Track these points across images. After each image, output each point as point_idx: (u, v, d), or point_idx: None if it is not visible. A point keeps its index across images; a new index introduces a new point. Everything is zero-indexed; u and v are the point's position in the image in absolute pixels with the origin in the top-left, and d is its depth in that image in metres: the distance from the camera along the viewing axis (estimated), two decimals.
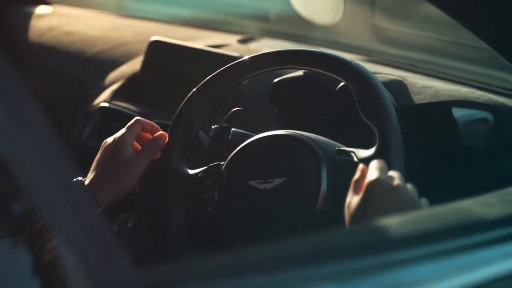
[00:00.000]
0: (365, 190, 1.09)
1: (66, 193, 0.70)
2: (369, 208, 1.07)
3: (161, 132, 1.34)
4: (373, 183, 1.08)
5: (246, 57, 1.34)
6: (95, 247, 0.67)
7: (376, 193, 1.07)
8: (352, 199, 1.11)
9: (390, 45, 2.01)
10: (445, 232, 0.86)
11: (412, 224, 0.87)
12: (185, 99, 1.38)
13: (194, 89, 1.38)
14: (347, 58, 1.27)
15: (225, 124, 1.41)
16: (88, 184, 1.25)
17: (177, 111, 1.38)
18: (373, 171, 1.10)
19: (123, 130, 1.31)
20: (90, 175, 1.28)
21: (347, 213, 1.09)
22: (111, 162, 1.28)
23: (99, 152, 1.30)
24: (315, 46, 2.10)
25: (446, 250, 0.84)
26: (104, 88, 1.94)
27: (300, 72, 1.56)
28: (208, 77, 1.36)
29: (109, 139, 1.31)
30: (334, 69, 1.27)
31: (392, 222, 0.88)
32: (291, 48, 1.34)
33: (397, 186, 1.06)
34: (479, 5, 1.12)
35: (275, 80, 1.57)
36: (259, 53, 1.33)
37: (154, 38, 1.89)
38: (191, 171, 1.36)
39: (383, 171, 1.10)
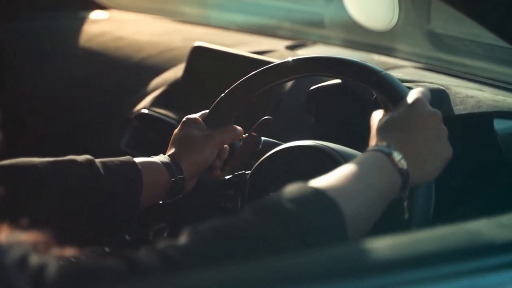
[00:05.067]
0: (403, 103, 1.04)
1: None
2: (401, 119, 1.04)
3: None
4: (416, 100, 1.04)
5: (270, 64, 1.30)
6: None
7: (415, 109, 1.05)
8: (380, 115, 1.08)
9: (446, 51, 1.94)
10: (451, 254, 0.79)
11: (416, 244, 0.80)
12: (212, 105, 1.35)
13: (223, 94, 1.35)
14: (377, 67, 1.21)
15: (253, 133, 1.36)
16: (169, 156, 1.29)
17: (205, 117, 1.35)
18: (416, 91, 1.06)
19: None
20: (170, 150, 1.31)
21: (374, 126, 1.05)
22: (187, 138, 1.30)
23: (177, 129, 1.34)
24: (370, 53, 2.04)
25: (451, 273, 0.77)
26: (146, 94, 1.92)
27: (337, 80, 1.50)
28: (234, 84, 1.33)
29: (187, 116, 1.36)
30: (363, 78, 1.21)
31: (395, 241, 0.82)
32: (320, 55, 1.28)
33: (435, 113, 1.04)
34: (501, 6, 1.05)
35: (310, 88, 1.51)
36: (284, 60, 1.28)
37: (197, 43, 1.86)
38: (215, 180, 1.33)
39: (426, 97, 1.07)
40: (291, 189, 0.89)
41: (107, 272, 0.76)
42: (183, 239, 0.81)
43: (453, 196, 1.29)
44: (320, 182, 0.92)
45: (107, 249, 1.38)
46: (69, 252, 0.78)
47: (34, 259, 0.72)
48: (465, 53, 1.88)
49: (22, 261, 0.71)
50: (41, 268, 0.72)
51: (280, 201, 0.86)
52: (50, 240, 0.78)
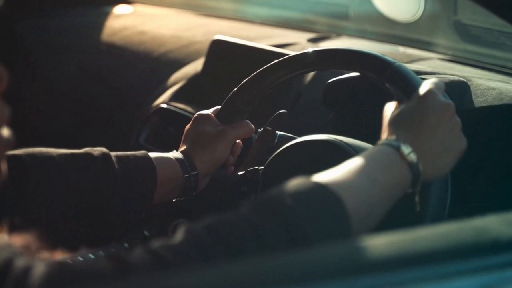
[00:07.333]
0: (416, 96, 1.01)
1: None
2: (412, 112, 1.00)
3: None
4: (428, 92, 1.01)
5: (280, 59, 1.27)
6: None
7: (426, 101, 1.01)
8: (393, 107, 1.05)
9: (473, 43, 1.89)
10: (455, 251, 0.75)
11: (420, 242, 0.77)
12: (225, 101, 1.33)
13: (235, 89, 1.32)
14: (390, 59, 1.17)
15: (268, 128, 1.34)
16: (182, 153, 1.27)
17: (218, 113, 1.33)
18: (429, 83, 1.02)
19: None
20: (182, 146, 1.29)
21: (385, 119, 1.02)
22: (199, 134, 1.28)
23: (189, 125, 1.31)
24: (395, 45, 2.00)
25: (455, 272, 0.74)
26: (166, 88, 1.90)
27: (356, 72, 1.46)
28: (247, 79, 1.30)
29: (199, 112, 1.33)
30: (375, 70, 1.17)
31: (399, 238, 0.78)
32: (331, 47, 1.25)
33: (448, 105, 1.00)
34: None
35: (329, 81, 1.47)
36: (296, 53, 1.25)
37: (216, 37, 1.83)
38: (228, 175, 1.31)
39: (439, 88, 1.03)
40: (292, 184, 0.86)
41: (96, 273, 0.74)
42: (177, 238, 0.79)
43: (469, 191, 1.24)
44: (324, 176, 0.89)
45: (126, 245, 1.37)
46: (60, 254, 0.77)
47: (20, 262, 0.70)
48: (493, 44, 1.83)
49: (7, 265, 0.69)
50: (26, 271, 0.70)
51: (279, 197, 0.83)
52: (43, 241, 0.76)
